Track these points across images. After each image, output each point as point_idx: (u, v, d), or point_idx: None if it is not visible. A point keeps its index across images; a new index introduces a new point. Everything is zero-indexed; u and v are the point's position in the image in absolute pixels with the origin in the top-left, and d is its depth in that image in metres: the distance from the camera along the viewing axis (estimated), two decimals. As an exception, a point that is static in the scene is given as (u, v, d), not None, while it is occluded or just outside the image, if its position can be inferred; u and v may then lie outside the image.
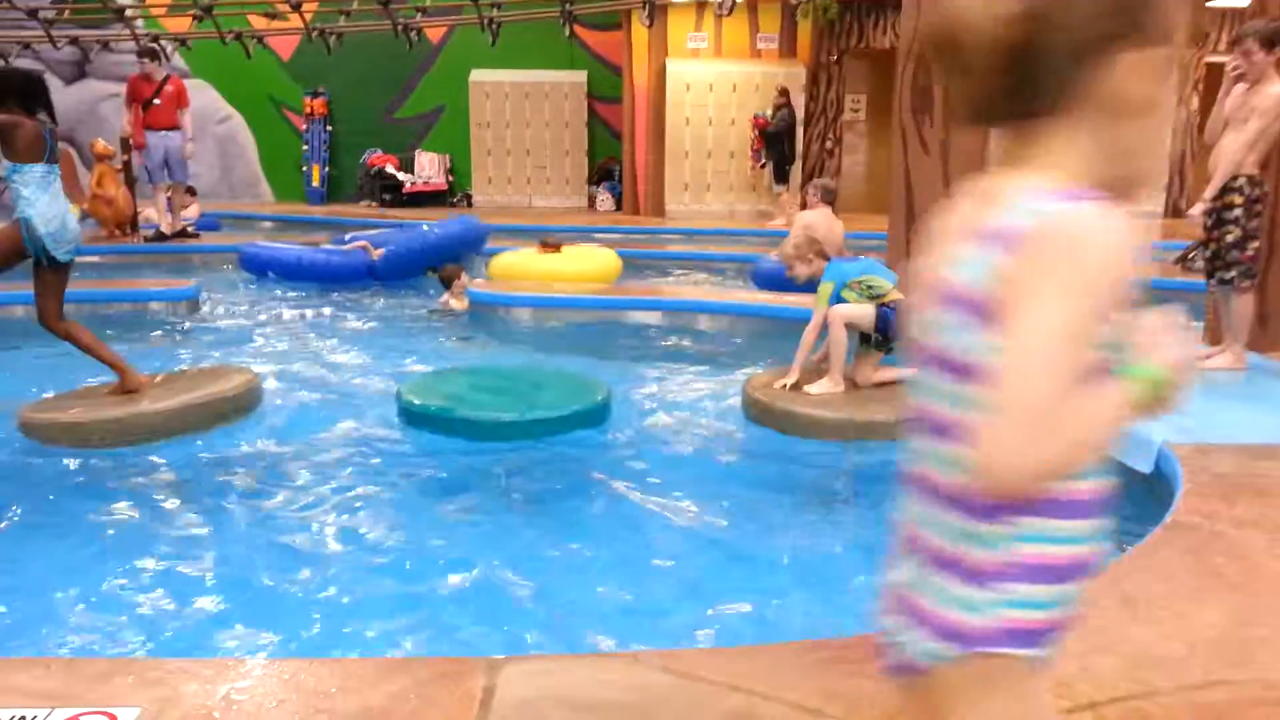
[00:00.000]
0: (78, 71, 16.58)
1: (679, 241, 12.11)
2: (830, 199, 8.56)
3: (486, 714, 1.78)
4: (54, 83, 15.94)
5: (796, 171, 13.28)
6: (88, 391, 4.71)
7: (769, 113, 13.08)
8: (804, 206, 8.55)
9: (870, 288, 4.67)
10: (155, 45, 11.42)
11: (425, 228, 9.06)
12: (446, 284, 7.65)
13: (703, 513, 3.67)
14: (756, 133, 13.33)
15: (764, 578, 3.14)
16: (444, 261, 8.06)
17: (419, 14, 12.10)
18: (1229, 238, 4.47)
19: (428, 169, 15.65)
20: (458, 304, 7.53)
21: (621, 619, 2.88)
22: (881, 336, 4.67)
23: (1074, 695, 1.86)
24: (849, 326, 4.62)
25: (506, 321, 7.16)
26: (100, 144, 11.19)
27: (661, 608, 2.94)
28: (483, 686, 1.86)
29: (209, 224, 12.24)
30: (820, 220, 8.25)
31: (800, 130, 13.70)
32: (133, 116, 10.35)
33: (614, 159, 15.09)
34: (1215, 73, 13.42)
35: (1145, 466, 3.44)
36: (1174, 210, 14.10)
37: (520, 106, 15.11)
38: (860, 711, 1.79)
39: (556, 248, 8.24)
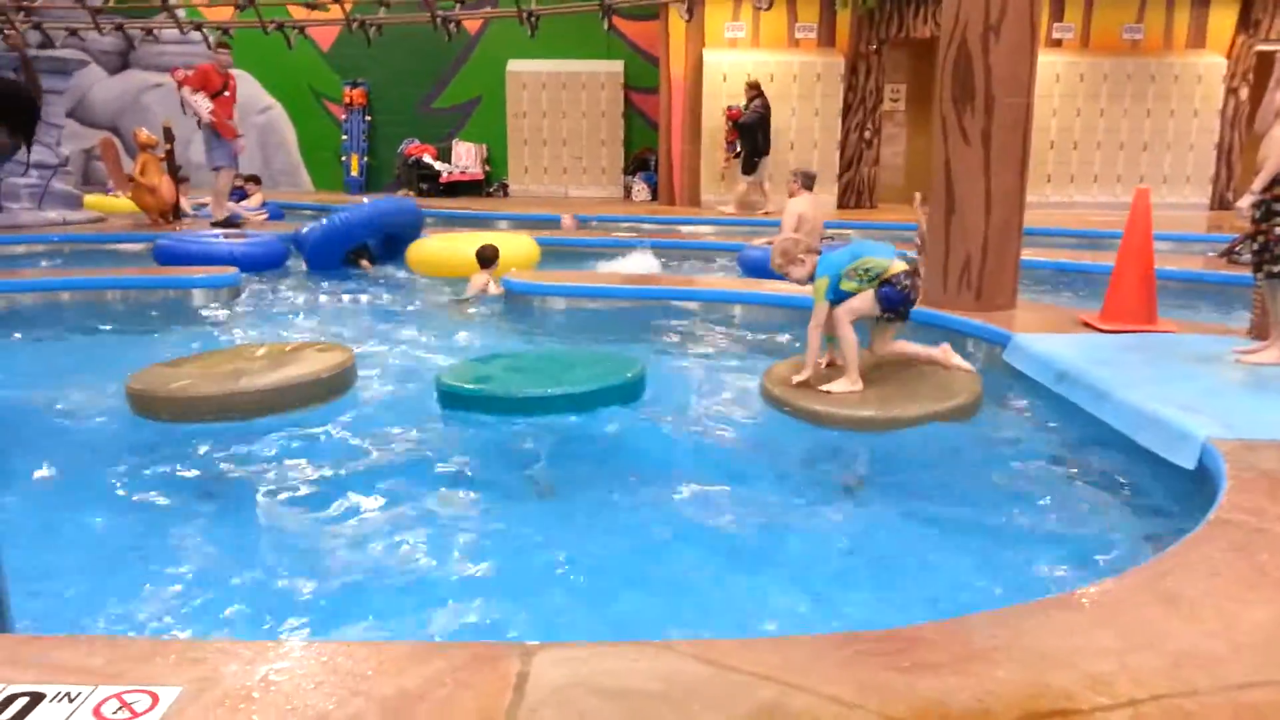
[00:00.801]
0: (122, 62, 16.83)
1: (714, 232, 12.07)
2: (810, 185, 8.94)
3: (520, 699, 1.79)
4: (98, 73, 16.21)
5: (771, 164, 13.17)
6: (195, 360, 4.81)
7: (743, 104, 13.08)
8: (790, 195, 8.86)
9: (868, 270, 4.57)
10: (228, 36, 11.54)
11: (345, 214, 9.00)
12: (485, 265, 7.68)
13: (736, 501, 3.66)
14: (730, 124, 13.31)
15: (798, 567, 3.13)
16: (366, 242, 8.14)
17: (458, 5, 12.16)
18: (1279, 230, 4.38)
19: (465, 159, 15.73)
20: (495, 289, 7.56)
21: (655, 605, 2.88)
22: (892, 314, 4.62)
23: (1113, 693, 1.84)
24: (856, 320, 4.57)
25: (543, 309, 7.18)
26: (144, 133, 11.36)
27: (695, 593, 2.94)
28: (517, 672, 1.87)
29: (275, 213, 12.38)
30: (807, 208, 8.56)
31: (839, 120, 13.60)
32: (215, 105, 10.40)
33: (650, 149, 15.07)
34: (1266, 61, 13.14)
35: (1188, 462, 3.38)
36: (1221, 202, 13.84)
37: (557, 96, 15.13)
38: (895, 705, 1.78)
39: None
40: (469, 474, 3.96)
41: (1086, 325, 5.52)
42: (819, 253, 4.79)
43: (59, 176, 11.52)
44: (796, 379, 4.63)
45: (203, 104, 10.37)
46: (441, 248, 8.71)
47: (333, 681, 1.84)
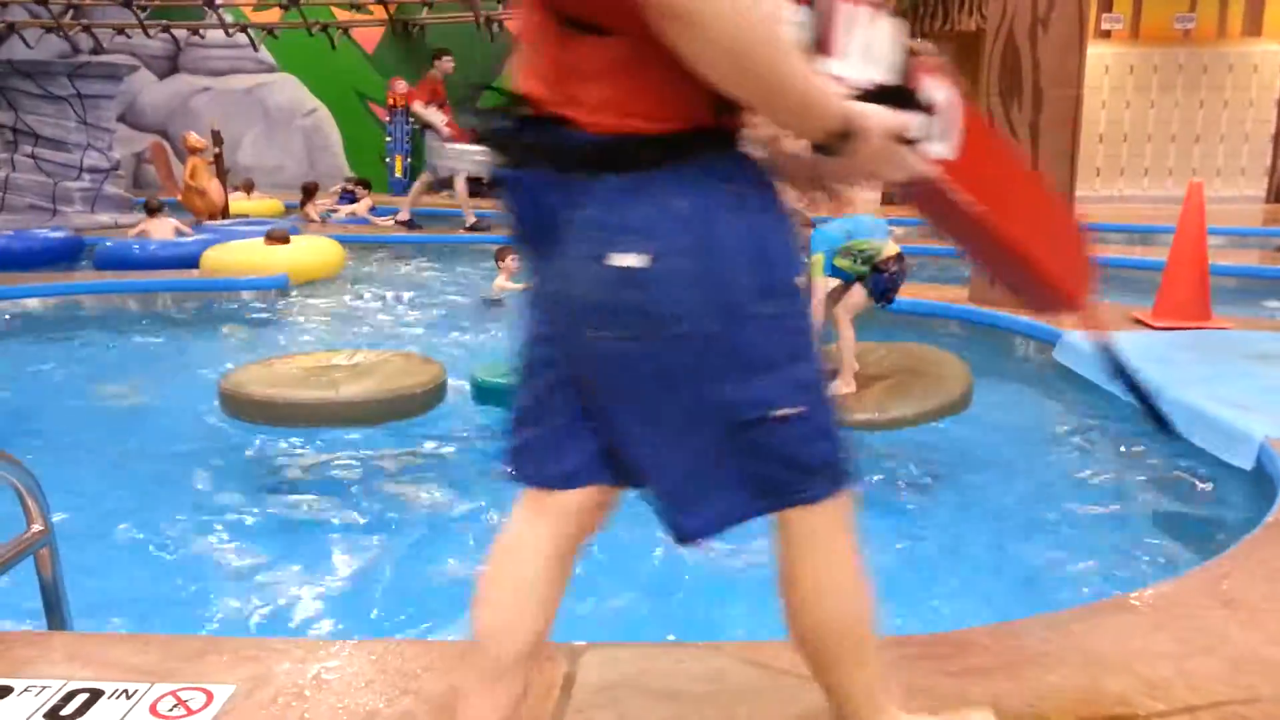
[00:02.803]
0: (170, 66, 17.11)
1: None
2: None
3: (567, 699, 1.79)
4: (148, 77, 16.52)
5: None
6: (284, 363, 4.81)
7: None
8: None
9: (862, 252, 4.44)
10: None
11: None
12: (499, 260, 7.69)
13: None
14: None
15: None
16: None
17: (500, 5, 12.22)
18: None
19: (505, 159, 15.79)
20: (512, 285, 7.55)
21: (699, 605, 2.88)
22: (879, 299, 4.52)
23: (1170, 699, 1.80)
24: (856, 316, 4.49)
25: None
26: (192, 137, 11.55)
27: (742, 595, 2.92)
28: (564, 672, 1.88)
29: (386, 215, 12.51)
30: None
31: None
32: (448, 118, 10.46)
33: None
34: (1323, 50, 12.82)
35: (1246, 463, 3.31)
36: (1277, 195, 13.50)
37: (598, 95, 15.15)
38: (944, 710, 1.76)
39: (284, 239, 8.21)
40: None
41: (1139, 322, 5.42)
42: (813, 226, 4.63)
43: (111, 180, 11.75)
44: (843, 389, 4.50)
45: (436, 117, 10.38)
46: (236, 254, 8.27)
47: (383, 680, 1.86)
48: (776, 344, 1.29)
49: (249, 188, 13.55)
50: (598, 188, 1.21)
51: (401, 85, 11.04)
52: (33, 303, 7.08)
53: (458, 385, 4.83)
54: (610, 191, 1.21)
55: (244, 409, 4.31)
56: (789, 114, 1.17)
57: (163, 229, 9.26)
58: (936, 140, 1.31)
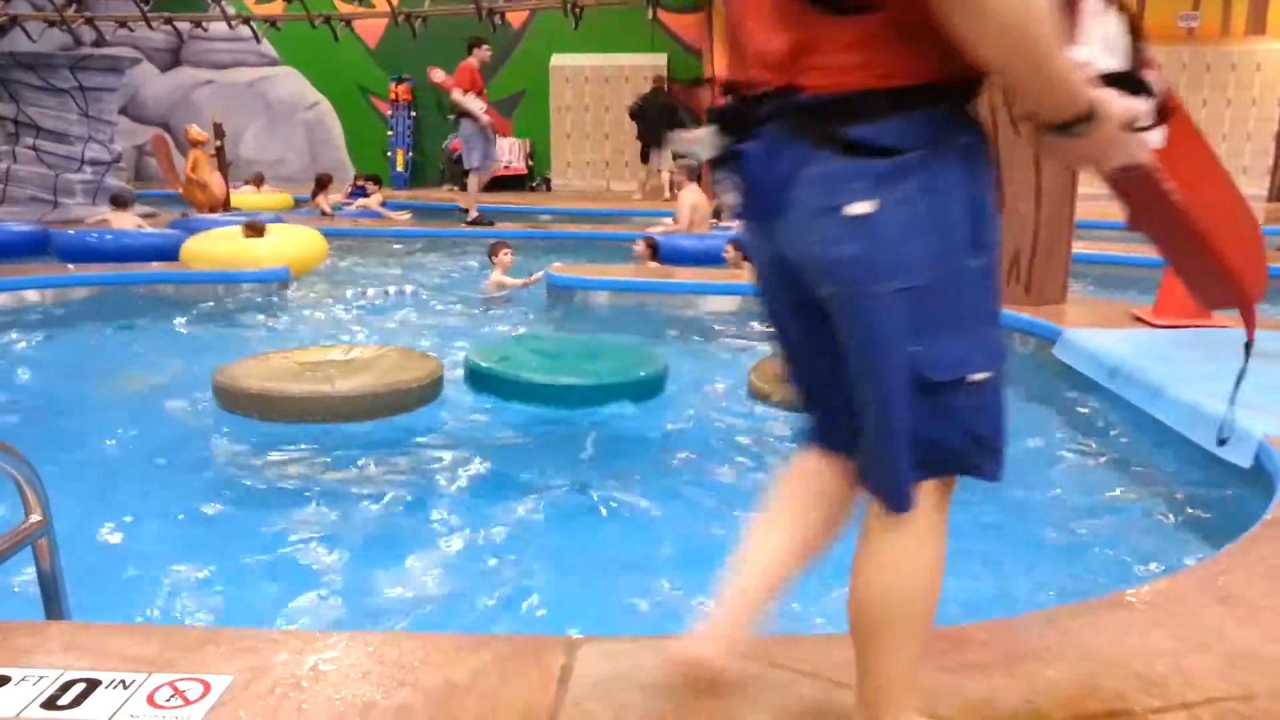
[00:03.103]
0: (173, 59, 17.11)
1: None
2: (695, 176, 9.75)
3: (565, 691, 1.80)
4: (150, 70, 16.51)
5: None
6: (280, 357, 4.79)
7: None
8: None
9: None
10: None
11: None
12: (492, 255, 7.69)
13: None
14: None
15: (837, 563, 3.10)
16: None
17: (501, -3, 12.23)
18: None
19: (508, 154, 15.79)
20: (510, 280, 7.56)
21: (697, 600, 2.88)
22: None
23: (1166, 695, 1.80)
24: None
25: (585, 304, 7.20)
26: (194, 130, 11.56)
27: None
28: (561, 665, 1.88)
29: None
30: (698, 198, 9.44)
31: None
32: (486, 105, 10.47)
33: (693, 144, 15.06)
34: (1327, 49, 12.79)
35: (1244, 461, 3.31)
36: (1279, 193, 13.48)
37: (600, 90, 15.15)
38: (942, 705, 1.76)
39: (260, 231, 8.15)
40: (503, 467, 3.97)
41: (1139, 320, 5.41)
42: None
43: (112, 172, 11.74)
44: None
45: (475, 104, 10.33)
46: (214, 244, 8.17)
47: (380, 672, 1.86)
48: (979, 302, 1.35)
49: (259, 181, 13.55)
50: (829, 144, 1.28)
51: (439, 74, 10.99)
52: (31, 295, 7.08)
53: (454, 380, 4.84)
54: (841, 145, 1.27)
55: (238, 402, 4.31)
56: (1044, 93, 1.24)
57: (123, 221, 9.24)
58: (1154, 129, 1.37)
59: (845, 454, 1.50)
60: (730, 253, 7.75)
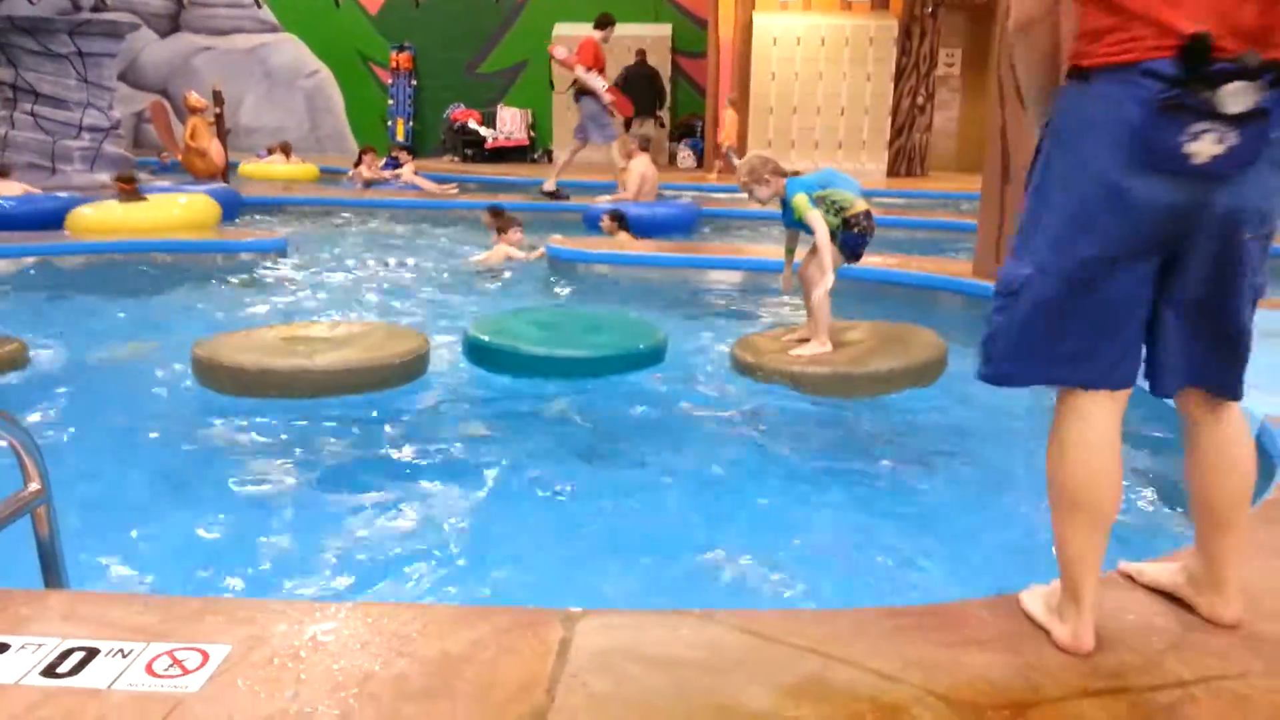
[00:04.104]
0: (172, 25, 16.97)
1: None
2: (645, 145, 10.19)
3: (563, 664, 1.80)
4: (149, 35, 16.38)
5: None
6: (264, 333, 4.77)
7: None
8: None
9: (835, 203, 4.45)
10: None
11: None
12: (502, 231, 7.67)
13: (767, 472, 3.64)
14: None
15: (840, 539, 3.11)
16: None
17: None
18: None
19: (510, 124, 15.72)
20: (516, 252, 7.54)
21: (693, 571, 2.88)
22: (850, 257, 4.56)
23: (1164, 674, 1.81)
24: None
25: (586, 276, 7.18)
26: (193, 97, 11.47)
27: (735, 562, 2.93)
28: (559, 638, 1.88)
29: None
30: (646, 168, 9.65)
31: (891, 85, 13.39)
32: (608, 83, 10.39)
33: (696, 115, 14.94)
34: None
35: (1245, 440, 3.29)
36: None
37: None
38: (940, 680, 1.77)
39: (138, 197, 8.15)
40: (504, 439, 3.96)
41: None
42: (785, 175, 4.59)
43: (110, 139, 11.67)
44: (789, 337, 4.71)
45: (597, 81, 10.17)
46: (97, 214, 8.12)
47: (378, 642, 1.87)
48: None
49: (286, 150, 13.41)
50: None
51: (561, 50, 10.83)
52: (28, 260, 7.06)
53: (440, 354, 4.82)
54: None
55: (215, 377, 4.27)
56: None
57: (10, 189, 9.16)
58: None
59: (1126, 384, 1.86)
60: (606, 223, 7.87)
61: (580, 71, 10.17)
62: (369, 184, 11.75)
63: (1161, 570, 2.12)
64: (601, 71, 10.26)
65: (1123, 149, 1.66)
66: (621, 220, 8.07)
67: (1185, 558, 2.08)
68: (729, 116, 13.09)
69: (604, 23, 10.45)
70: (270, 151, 13.41)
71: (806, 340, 4.61)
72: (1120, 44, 1.65)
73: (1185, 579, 2.04)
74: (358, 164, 12.17)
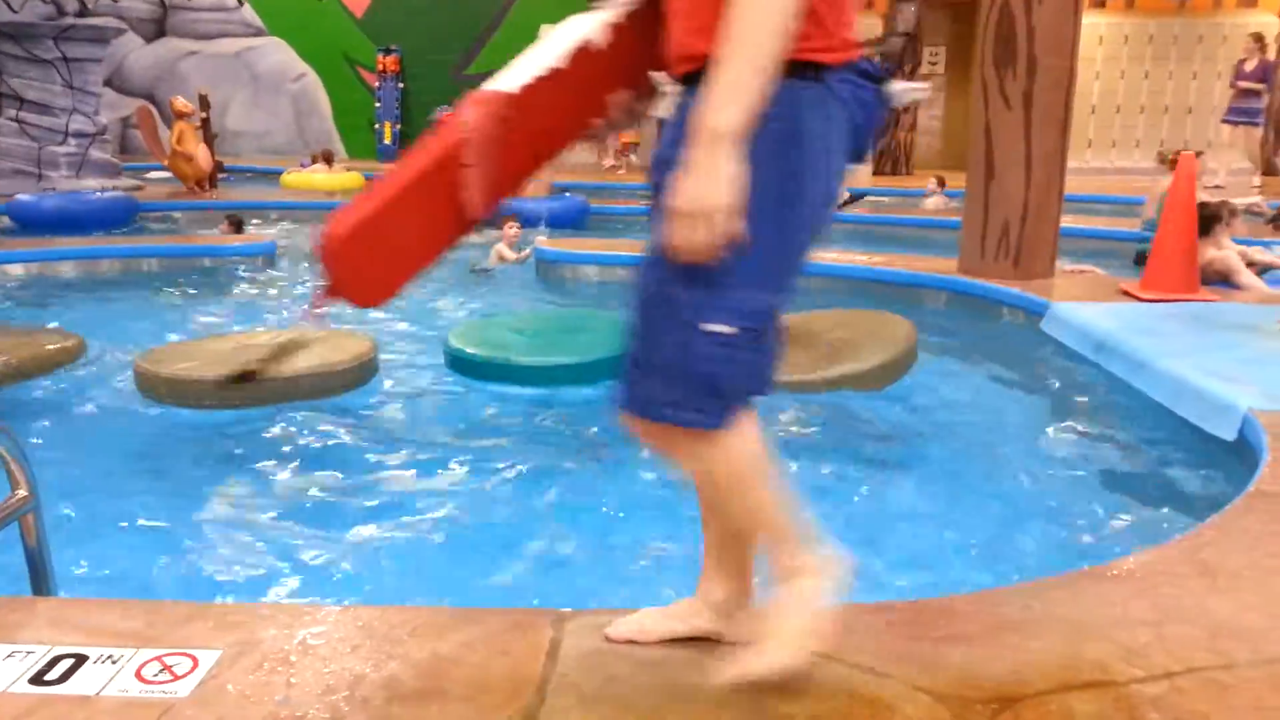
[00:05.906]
0: (157, 29, 16.90)
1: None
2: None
3: (554, 665, 1.80)
4: (135, 40, 16.31)
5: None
6: (207, 343, 4.73)
7: None
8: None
9: None
10: None
11: None
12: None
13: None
14: None
15: (828, 536, 3.11)
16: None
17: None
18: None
19: (498, 125, 15.66)
20: (509, 253, 7.54)
21: (681, 570, 2.89)
22: None
23: (1149, 665, 1.82)
24: None
25: (574, 278, 7.19)
26: (179, 101, 11.43)
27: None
28: (550, 639, 1.89)
29: None
30: None
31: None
32: None
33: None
34: (1317, 22, 12.74)
35: (1228, 434, 3.33)
36: (1268, 168, 13.50)
37: (590, 61, 15.02)
38: (926, 676, 1.78)
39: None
40: (489, 444, 3.96)
41: (1126, 294, 5.43)
42: None
43: (97, 145, 11.63)
44: None
45: None
46: None
47: (369, 645, 1.87)
48: None
49: (329, 158, 12.98)
50: None
51: None
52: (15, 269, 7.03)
53: (389, 360, 4.80)
54: None
55: (153, 387, 4.25)
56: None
57: None
58: None
59: None
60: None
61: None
62: None
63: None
64: None
65: None
66: (513, 216, 8.05)
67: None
68: None
69: None
70: (314, 160, 13.08)
71: None
72: None
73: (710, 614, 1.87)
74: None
